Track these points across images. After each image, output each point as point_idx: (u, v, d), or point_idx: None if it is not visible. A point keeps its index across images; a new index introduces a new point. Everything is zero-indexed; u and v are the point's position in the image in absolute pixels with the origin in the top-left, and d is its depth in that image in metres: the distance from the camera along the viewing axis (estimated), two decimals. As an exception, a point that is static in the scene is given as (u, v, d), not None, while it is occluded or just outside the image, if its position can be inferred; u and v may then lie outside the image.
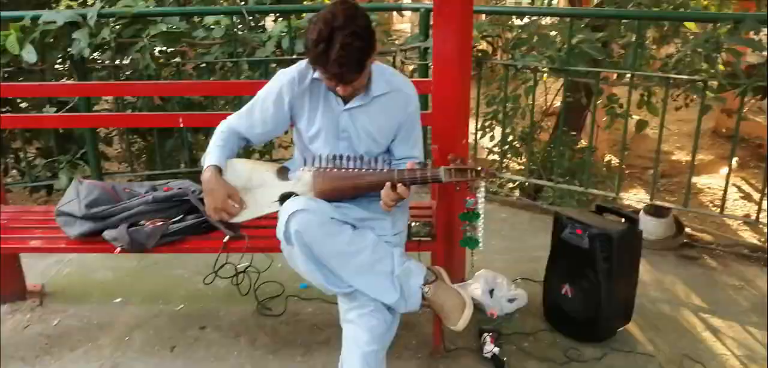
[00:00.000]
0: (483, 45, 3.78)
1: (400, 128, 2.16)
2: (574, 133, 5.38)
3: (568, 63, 3.42)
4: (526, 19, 4.05)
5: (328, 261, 1.97)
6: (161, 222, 2.29)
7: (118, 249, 2.21)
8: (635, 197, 5.92)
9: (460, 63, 2.43)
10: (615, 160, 7.41)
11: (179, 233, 2.28)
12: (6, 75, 3.46)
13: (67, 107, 3.56)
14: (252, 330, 2.55)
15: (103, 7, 3.51)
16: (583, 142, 6.01)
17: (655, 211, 3.32)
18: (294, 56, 3.74)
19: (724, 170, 6.69)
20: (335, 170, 2.04)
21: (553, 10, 3.76)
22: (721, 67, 3.16)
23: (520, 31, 3.82)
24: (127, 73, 4.08)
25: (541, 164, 5.03)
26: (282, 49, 3.84)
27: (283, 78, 2.15)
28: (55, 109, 3.53)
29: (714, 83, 3.05)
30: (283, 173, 2.15)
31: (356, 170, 2.03)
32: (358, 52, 1.86)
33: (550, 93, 5.39)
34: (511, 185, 4.94)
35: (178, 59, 3.97)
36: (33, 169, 3.88)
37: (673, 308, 2.70)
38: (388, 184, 1.95)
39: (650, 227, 3.24)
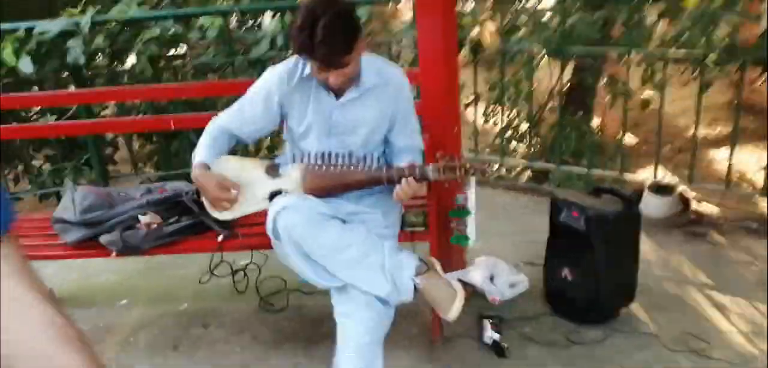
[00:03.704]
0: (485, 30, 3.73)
1: (394, 118, 2.15)
2: (581, 113, 5.33)
3: (563, 44, 3.38)
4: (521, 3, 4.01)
5: (318, 256, 1.97)
6: (156, 225, 2.31)
7: (114, 253, 2.23)
8: (649, 175, 5.86)
9: (445, 51, 2.41)
10: (628, 138, 7.32)
11: (174, 234, 2.30)
12: (4, 86, 3.50)
13: (68, 114, 3.60)
14: (254, 326, 2.56)
15: (97, 14, 3.54)
16: (597, 121, 5.96)
17: (660, 189, 3.27)
18: (291, 53, 3.75)
19: (746, 144, 6.59)
20: (324, 167, 2.04)
21: None
22: (724, 40, 3.09)
23: (513, 14, 3.78)
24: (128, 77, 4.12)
25: (551, 145, 4.98)
26: (278, 46, 3.83)
27: (271, 76, 2.15)
28: (55, 116, 3.57)
29: (713, 57, 3.00)
30: (272, 170, 2.15)
31: (345, 167, 2.02)
32: (342, 31, 1.85)
33: (558, 73, 5.34)
34: (518, 169, 4.92)
35: (178, 62, 3.99)
36: (39, 177, 3.93)
37: (678, 286, 2.66)
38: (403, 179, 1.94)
39: (655, 205, 3.20)
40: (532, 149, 4.00)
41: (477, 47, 3.75)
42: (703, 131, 7.75)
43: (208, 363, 2.38)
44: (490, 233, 3.25)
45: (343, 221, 2.03)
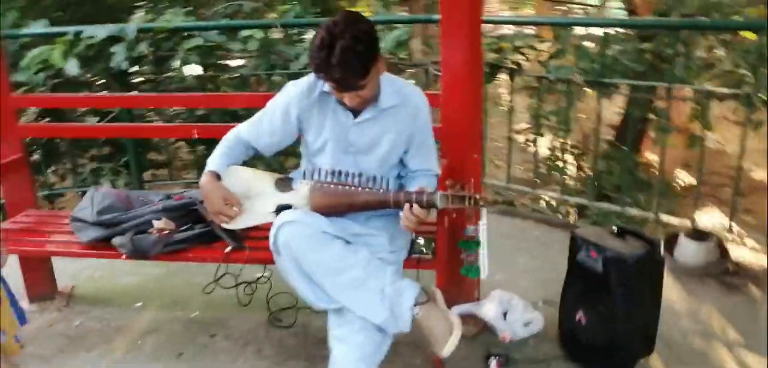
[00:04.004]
0: (517, 57, 3.66)
1: (411, 140, 2.13)
2: (625, 148, 5.14)
3: (602, 75, 3.26)
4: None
5: (316, 275, 1.94)
6: (168, 231, 2.34)
7: (124, 255, 2.27)
8: (702, 218, 5.58)
9: (469, 75, 2.36)
10: (686, 178, 7.01)
11: (184, 242, 2.32)
12: (53, 87, 3.65)
13: (110, 117, 3.72)
14: (260, 340, 2.55)
15: (146, 21, 3.66)
16: (651, 157, 5.74)
17: (697, 234, 3.10)
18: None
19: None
20: (332, 186, 2.02)
21: (579, 20, 3.60)
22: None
23: (553, 42, 3.68)
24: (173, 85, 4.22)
25: (592, 179, 4.82)
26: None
27: (292, 90, 2.16)
28: (97, 118, 3.70)
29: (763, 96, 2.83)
30: (282, 184, 2.15)
31: (353, 187, 2.00)
32: (359, 56, 1.84)
33: (608, 106, 5.16)
34: (553, 204, 4.77)
35: (211, 72, 4.07)
36: (79, 175, 4.07)
37: (705, 341, 2.50)
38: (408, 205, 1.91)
39: (691, 251, 3.03)
40: (573, 182, 3.87)
41: (515, 72, 3.68)
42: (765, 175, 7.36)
43: (208, 374, 2.39)
44: (514, 266, 3.16)
45: (348, 242, 2.00)
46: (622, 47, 3.35)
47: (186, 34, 3.82)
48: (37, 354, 2.47)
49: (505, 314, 2.54)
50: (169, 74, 3.86)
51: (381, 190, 1.97)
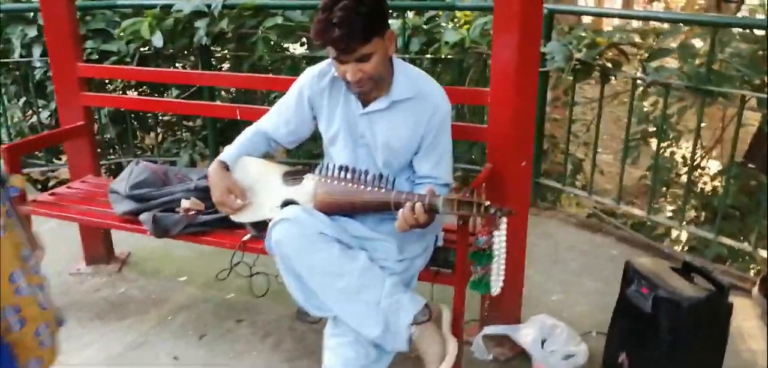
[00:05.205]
0: (612, 53, 3.26)
1: (422, 140, 1.93)
2: (751, 166, 4.47)
3: (708, 80, 2.81)
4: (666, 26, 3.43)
5: (308, 278, 1.82)
6: (194, 212, 2.32)
7: (148, 232, 2.28)
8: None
9: (521, 72, 2.10)
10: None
11: (206, 225, 2.29)
12: (141, 57, 3.80)
13: (189, 92, 3.81)
14: (281, 332, 2.48)
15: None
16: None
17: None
18: (406, 54, 3.63)
19: None
20: (336, 182, 1.88)
21: (676, 15, 3.12)
22: None
23: (656, 39, 3.23)
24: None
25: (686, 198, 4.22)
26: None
27: (305, 75, 2.06)
28: (177, 91, 3.81)
29: None
30: (289, 177, 2.04)
31: (356, 185, 1.84)
32: (361, 16, 1.69)
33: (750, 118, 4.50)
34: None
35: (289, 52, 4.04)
36: (161, 145, 4.24)
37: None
38: (410, 205, 1.73)
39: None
40: (649, 202, 3.40)
41: (608, 72, 3.29)
42: None
43: (223, 360, 2.34)
44: (575, 288, 2.84)
45: (349, 247, 1.85)
46: (733, 50, 2.86)
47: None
48: (75, 316, 2.57)
49: (543, 342, 2.28)
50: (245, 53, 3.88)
51: (383, 190, 1.80)
